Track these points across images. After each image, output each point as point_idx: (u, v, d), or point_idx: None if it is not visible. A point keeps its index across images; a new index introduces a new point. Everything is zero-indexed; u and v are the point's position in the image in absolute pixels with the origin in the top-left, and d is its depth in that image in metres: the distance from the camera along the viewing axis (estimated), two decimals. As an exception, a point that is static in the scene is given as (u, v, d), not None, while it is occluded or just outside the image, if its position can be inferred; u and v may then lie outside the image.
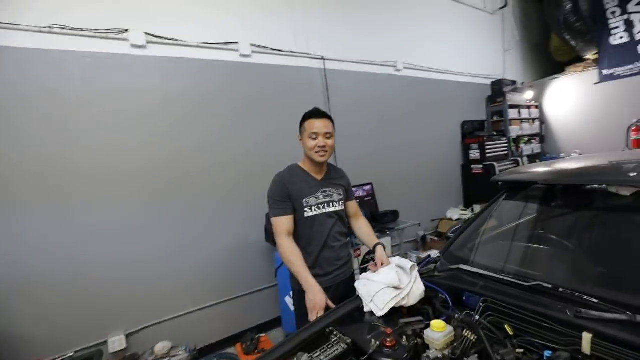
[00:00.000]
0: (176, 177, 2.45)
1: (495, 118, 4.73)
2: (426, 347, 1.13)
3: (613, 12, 4.28)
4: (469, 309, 1.28)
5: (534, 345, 1.03)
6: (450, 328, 1.13)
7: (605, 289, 1.14)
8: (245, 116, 2.73)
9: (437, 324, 1.13)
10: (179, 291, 2.45)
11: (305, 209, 1.52)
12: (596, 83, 4.52)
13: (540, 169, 1.72)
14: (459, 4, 4.46)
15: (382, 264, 1.46)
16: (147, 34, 2.33)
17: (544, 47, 5.43)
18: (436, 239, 3.93)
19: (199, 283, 2.53)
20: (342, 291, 1.62)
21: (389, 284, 1.34)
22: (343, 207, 1.63)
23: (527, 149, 4.84)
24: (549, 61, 5.48)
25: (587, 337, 0.95)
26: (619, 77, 4.33)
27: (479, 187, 4.28)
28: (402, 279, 1.36)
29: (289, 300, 2.39)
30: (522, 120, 4.80)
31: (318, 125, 1.48)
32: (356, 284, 1.44)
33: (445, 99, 4.27)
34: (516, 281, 1.23)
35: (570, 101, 4.82)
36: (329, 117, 1.53)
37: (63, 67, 2.09)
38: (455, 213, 4.00)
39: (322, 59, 3.18)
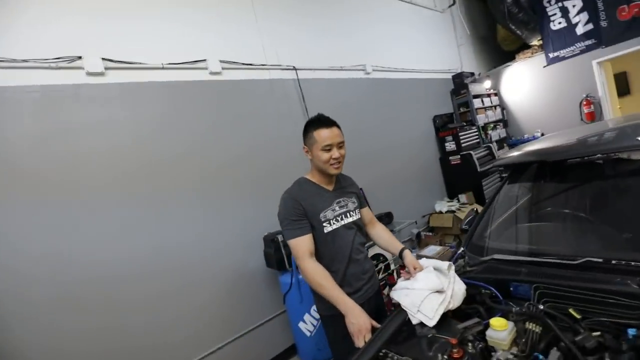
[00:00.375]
0: (155, 207, 2.19)
1: (462, 109, 4.91)
2: (490, 349, 1.03)
3: (549, 1, 4.66)
4: (519, 300, 1.21)
5: (605, 325, 0.97)
6: (511, 324, 1.04)
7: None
8: (221, 136, 2.54)
9: (498, 323, 1.03)
10: (180, 341, 2.16)
11: (324, 224, 1.38)
12: (545, 66, 4.86)
13: (541, 145, 1.73)
14: (412, 5, 4.63)
15: (416, 269, 1.35)
16: (104, 59, 2.10)
17: (492, 39, 5.79)
18: (430, 234, 3.92)
19: (202, 328, 2.26)
20: (374, 306, 1.49)
21: (432, 289, 1.23)
22: (359, 216, 1.51)
23: (494, 134, 5.06)
24: (498, 51, 5.85)
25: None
26: (564, 58, 4.69)
27: (459, 177, 4.38)
28: (442, 281, 1.27)
29: (303, 327, 2.20)
30: (485, 109, 5.03)
31: (330, 135, 1.36)
32: (394, 296, 1.31)
33: (414, 97, 4.36)
34: (563, 261, 1.18)
35: (525, 85, 5.14)
36: (337, 124, 1.42)
37: (6, 105, 1.80)
38: (443, 205, 4.03)
39: (294, 69, 3.09)
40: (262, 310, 2.52)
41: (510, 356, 1.00)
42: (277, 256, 2.24)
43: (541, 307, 1.05)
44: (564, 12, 4.57)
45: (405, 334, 1.16)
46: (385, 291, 2.57)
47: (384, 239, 1.57)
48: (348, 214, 1.45)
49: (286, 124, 2.95)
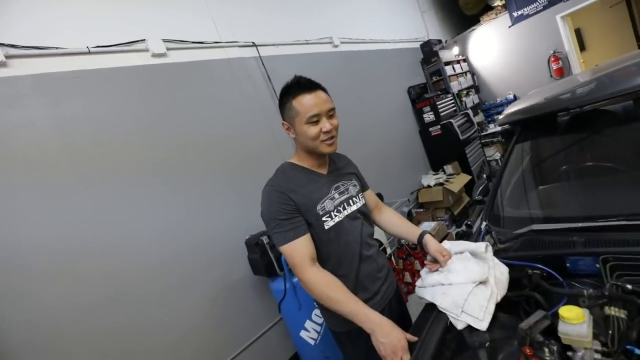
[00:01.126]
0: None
1: (434, 78, 4.73)
2: (566, 348, 0.78)
3: (508, -43, 4.52)
4: (582, 278, 0.97)
5: None
6: (586, 312, 0.79)
7: None
8: (175, 127, 2.11)
9: (572, 313, 0.77)
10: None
11: (324, 219, 1.06)
12: (510, 26, 4.76)
13: (555, 93, 1.50)
14: (373, -29, 4.32)
15: (444, 256, 1.07)
16: (5, 45, 1.61)
17: (454, 3, 5.62)
18: (421, 210, 3.73)
19: (190, 354, 1.89)
20: (396, 310, 1.21)
21: (475, 281, 0.96)
22: (364, 201, 1.21)
23: (468, 101, 4.94)
24: (462, 16, 5.71)
25: None
26: (528, 16, 4.60)
27: (441, 148, 4.21)
28: (483, 268, 1.00)
29: (306, 335, 1.89)
30: (457, 76, 4.88)
31: (316, 101, 1.01)
32: (424, 295, 1.03)
33: (386, 69, 4.11)
34: (629, 222, 0.94)
35: (492, 48, 5.03)
36: (322, 86, 1.08)
37: None
38: (430, 179, 3.85)
39: (254, 45, 2.69)
40: (255, 324, 2.19)
41: (598, 356, 0.75)
42: (264, 261, 1.91)
43: (629, 286, 0.81)
44: (524, -33, 4.46)
45: (453, 346, 0.88)
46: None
47: (397, 225, 1.27)
48: (351, 200, 1.14)
49: (254, 107, 2.57)
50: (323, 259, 1.07)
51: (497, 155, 4.71)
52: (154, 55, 2.12)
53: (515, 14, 4.69)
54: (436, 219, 3.65)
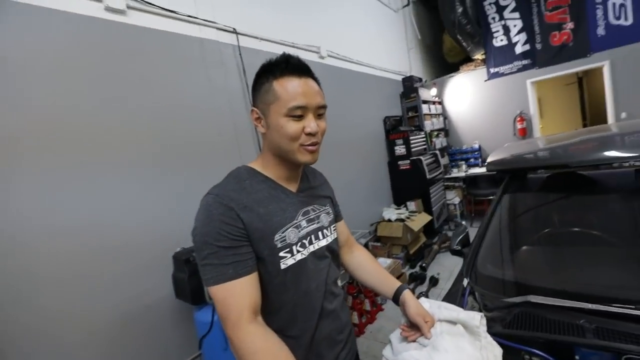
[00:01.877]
0: None
1: (410, 113, 4.74)
2: None
3: (493, 18, 4.79)
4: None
5: None
6: None
7: None
8: (111, 98, 1.71)
9: None
10: None
11: (282, 254, 0.77)
12: (486, 80, 5.00)
13: (554, 148, 1.39)
14: (369, -5, 4.30)
15: (427, 322, 0.83)
16: None
17: (438, 49, 5.83)
18: (378, 244, 3.55)
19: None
20: (355, 382, 0.93)
21: (470, 368, 0.72)
22: (336, 235, 0.94)
23: (437, 142, 5.02)
24: (443, 62, 5.92)
25: None
26: (503, 74, 4.86)
27: (407, 183, 4.14)
28: (480, 352, 0.77)
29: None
30: (431, 116, 4.96)
31: (305, 90, 0.74)
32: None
33: (367, 93, 4.01)
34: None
35: (466, 97, 5.23)
36: (313, 74, 0.81)
37: None
38: (392, 213, 3.72)
39: (235, 32, 2.39)
40: (166, 357, 1.75)
41: None
42: (192, 284, 1.54)
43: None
44: (506, 30, 4.74)
45: None
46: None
47: (370, 272, 1.00)
48: (320, 233, 0.86)
49: (220, 98, 2.24)
50: (269, 311, 0.76)
51: (457, 200, 4.77)
52: (109, 10, 1.72)
53: (492, 70, 4.93)
54: (392, 255, 3.50)
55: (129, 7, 1.80)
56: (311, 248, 0.82)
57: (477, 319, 0.82)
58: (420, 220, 3.68)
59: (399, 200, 4.18)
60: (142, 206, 1.73)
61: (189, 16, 2.11)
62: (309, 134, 0.75)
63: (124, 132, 1.71)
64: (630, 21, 3.99)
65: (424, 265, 3.41)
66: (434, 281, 3.11)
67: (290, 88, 0.73)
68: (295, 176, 0.87)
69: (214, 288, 0.69)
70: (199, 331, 1.59)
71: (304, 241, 0.81)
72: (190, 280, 1.53)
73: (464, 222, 1.62)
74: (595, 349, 0.76)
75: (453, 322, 0.84)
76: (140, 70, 1.82)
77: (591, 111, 6.59)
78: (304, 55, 3.00)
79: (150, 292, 1.70)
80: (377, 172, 4.10)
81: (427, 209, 4.04)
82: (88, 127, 1.58)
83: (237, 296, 0.68)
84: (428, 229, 3.98)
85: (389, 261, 3.05)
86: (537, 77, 4.65)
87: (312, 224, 0.85)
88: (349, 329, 0.93)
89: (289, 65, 0.75)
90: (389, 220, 3.63)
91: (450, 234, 4.32)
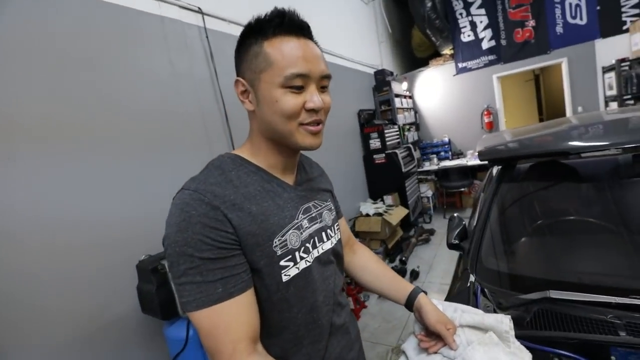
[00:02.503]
0: None
1: (383, 107, 4.71)
2: None
3: (461, 14, 4.88)
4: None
5: None
6: None
7: None
8: (57, 84, 1.44)
9: None
10: None
11: (284, 262, 0.61)
12: (455, 75, 5.10)
13: (549, 134, 1.35)
14: (341, -15, 4.18)
15: (449, 329, 0.72)
16: None
17: (407, 44, 5.86)
18: (357, 239, 3.45)
19: None
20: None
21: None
22: (339, 236, 0.79)
23: (409, 136, 5.04)
24: (412, 57, 5.97)
25: None
26: (470, 69, 4.98)
27: (383, 177, 4.10)
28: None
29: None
30: (403, 109, 4.97)
31: (306, 53, 0.59)
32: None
33: (340, 85, 3.89)
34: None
35: (436, 92, 5.31)
36: (313, 36, 0.66)
37: None
38: (369, 208, 3.65)
39: (200, 12, 2.15)
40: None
41: None
42: (161, 296, 1.32)
43: None
44: (473, 26, 4.85)
45: None
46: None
47: (377, 275, 0.87)
48: (324, 234, 0.71)
49: (185, 86, 1.99)
50: (268, 334, 0.61)
51: (429, 193, 4.83)
52: (45, -26, 1.43)
53: (460, 65, 5.04)
54: (371, 250, 3.42)
55: (73, -26, 1.52)
56: (315, 253, 0.67)
57: (506, 322, 0.72)
58: (397, 214, 3.64)
59: (376, 195, 4.13)
60: (93, 205, 1.46)
61: (147, -10, 1.84)
62: (311, 110, 0.60)
63: (68, 118, 1.43)
64: (584, 21, 4.23)
65: (403, 259, 3.38)
66: (414, 274, 3.08)
67: (287, 51, 0.57)
68: (291, 165, 0.71)
69: (196, 314, 0.52)
70: (171, 350, 1.38)
71: (307, 245, 0.66)
72: (159, 292, 1.32)
73: (456, 215, 1.55)
74: (633, 348, 0.69)
75: (478, 328, 0.73)
76: (88, 48, 1.54)
77: (547, 106, 7.02)
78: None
79: (112, 307, 1.45)
80: (353, 166, 4.02)
81: (403, 202, 4.02)
82: (25, 115, 1.29)
83: (230, 323, 0.52)
84: (404, 223, 3.96)
85: (369, 257, 2.97)
86: (503, 72, 4.81)
87: (315, 224, 0.70)
88: (359, 344, 0.80)
89: (284, 22, 0.59)
90: (367, 215, 3.56)
91: (426, 226, 4.35)
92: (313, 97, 0.59)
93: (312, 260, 0.66)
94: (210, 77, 2.19)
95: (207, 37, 2.18)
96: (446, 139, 5.26)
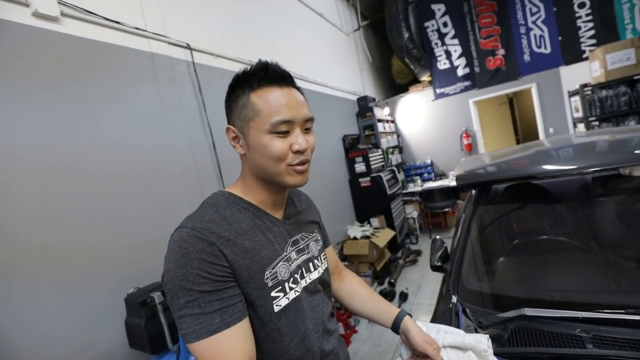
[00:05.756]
0: None
1: (367, 132, 4.87)
2: None
3: (436, 44, 5.21)
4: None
5: None
6: None
7: None
8: (53, 123, 1.48)
9: None
10: None
11: (274, 294, 0.66)
12: (433, 100, 5.36)
13: (521, 158, 1.46)
14: (323, 19, 4.43)
15: (435, 349, 0.76)
16: None
17: (387, 71, 6.16)
18: (345, 263, 3.47)
19: None
20: None
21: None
22: (327, 265, 0.84)
23: (393, 159, 5.20)
24: (393, 84, 6.26)
25: None
26: (448, 94, 5.26)
27: (369, 200, 4.18)
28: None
29: None
30: (386, 134, 5.15)
31: (289, 101, 0.65)
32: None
33: (325, 113, 4.04)
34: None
35: (416, 116, 5.54)
36: (295, 84, 0.73)
37: None
38: (357, 231, 3.69)
39: (189, 47, 2.25)
40: None
41: None
42: (151, 330, 1.31)
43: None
44: (448, 54, 5.17)
45: None
46: None
47: (364, 300, 0.91)
48: (311, 264, 0.77)
49: (175, 119, 2.05)
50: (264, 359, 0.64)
51: (415, 214, 4.93)
52: (38, 16, 1.50)
53: (438, 91, 5.31)
54: (359, 273, 3.44)
55: (63, 14, 1.59)
56: (303, 283, 0.72)
57: (484, 342, 0.77)
58: (384, 236, 3.70)
59: (362, 217, 4.19)
60: (84, 235, 1.46)
61: (137, 28, 1.93)
62: (298, 152, 0.66)
63: (58, 155, 1.45)
64: (549, 50, 4.59)
65: (392, 281, 3.39)
66: (403, 296, 3.10)
67: (271, 100, 0.64)
68: (281, 201, 0.76)
69: (196, 344, 0.55)
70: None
71: (296, 276, 0.70)
72: (148, 326, 1.31)
73: (438, 237, 1.61)
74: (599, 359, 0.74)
75: (459, 348, 0.78)
76: (80, 85, 1.59)
77: (522, 127, 7.39)
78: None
79: (98, 343, 1.41)
80: (339, 190, 4.09)
81: (390, 224, 4.09)
82: (11, 160, 1.31)
83: (228, 351, 0.55)
84: (392, 244, 4.01)
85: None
86: (478, 97, 5.10)
87: (302, 255, 0.75)
88: (347, 366, 0.82)
89: (268, 74, 0.66)
90: (355, 238, 3.60)
91: (413, 247, 4.41)
92: (298, 140, 0.66)
93: (300, 290, 0.70)
94: (199, 109, 2.26)
95: (195, 70, 2.27)
96: (429, 161, 5.44)
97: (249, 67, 0.68)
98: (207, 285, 0.57)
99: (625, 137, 1.40)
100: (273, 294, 0.64)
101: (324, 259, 0.83)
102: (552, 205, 1.29)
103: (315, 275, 0.76)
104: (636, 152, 1.16)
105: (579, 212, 1.29)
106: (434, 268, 1.36)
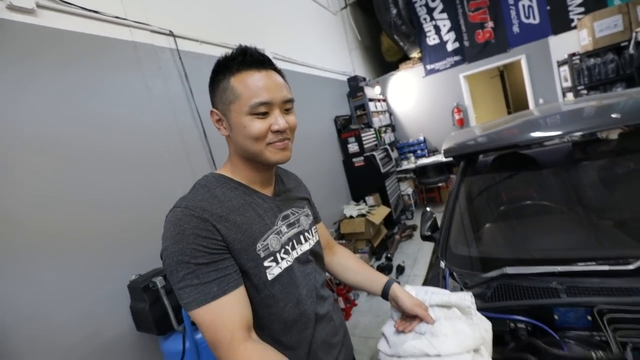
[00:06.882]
0: None
1: (359, 112, 4.86)
2: None
3: (425, 19, 5.13)
4: (569, 330, 0.83)
5: None
6: None
7: None
8: (34, 114, 1.48)
9: None
10: None
11: (267, 263, 0.70)
12: (424, 77, 5.33)
13: (507, 128, 1.49)
14: (309, -1, 4.34)
15: (424, 309, 0.82)
16: None
17: (377, 49, 6.08)
18: (343, 241, 3.55)
19: None
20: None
21: (470, 349, 0.71)
22: (317, 238, 0.89)
23: (386, 137, 5.22)
24: (382, 61, 6.19)
25: None
26: (438, 70, 5.23)
27: (363, 179, 4.23)
28: (476, 330, 0.77)
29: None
30: (378, 113, 5.14)
31: (267, 84, 0.68)
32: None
33: (316, 95, 4.02)
34: (612, 267, 0.85)
35: (408, 93, 5.53)
36: (275, 66, 0.75)
37: None
38: (353, 210, 3.76)
39: (172, 34, 2.22)
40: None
41: None
42: (155, 312, 1.37)
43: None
44: (437, 29, 5.11)
45: None
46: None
47: (355, 271, 0.97)
48: (302, 236, 0.81)
49: (163, 109, 2.05)
50: (260, 326, 0.70)
51: (410, 190, 5.00)
52: (12, 8, 1.47)
53: (428, 67, 5.28)
54: (357, 250, 3.53)
55: (39, 6, 1.57)
56: (294, 254, 0.77)
57: (467, 299, 0.83)
58: (380, 214, 3.77)
59: (358, 197, 4.26)
60: (85, 221, 1.50)
61: (116, 17, 1.90)
62: (277, 132, 0.69)
63: (49, 151, 1.47)
64: (537, 20, 4.54)
65: (389, 255, 3.49)
66: (400, 270, 3.20)
67: (250, 83, 0.67)
68: (269, 179, 0.81)
69: (197, 311, 0.60)
70: (166, 362, 1.42)
71: (287, 247, 0.75)
72: (152, 309, 1.36)
73: (428, 209, 1.67)
74: (570, 307, 0.81)
75: (445, 306, 0.84)
76: (60, 78, 1.58)
77: (513, 99, 7.40)
78: (249, 58, 2.92)
79: (105, 331, 1.47)
80: (333, 171, 4.13)
81: (385, 201, 4.16)
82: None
83: (226, 315, 0.60)
84: (388, 221, 4.10)
85: (357, 256, 3.07)
86: (468, 72, 5.08)
87: (293, 228, 0.79)
88: (343, 329, 0.88)
89: (246, 58, 0.69)
90: (351, 217, 3.67)
91: (408, 223, 4.51)
92: (278, 120, 0.69)
93: (292, 260, 0.75)
94: (186, 96, 2.25)
95: (180, 58, 2.25)
96: (421, 138, 5.47)
97: (228, 53, 0.71)
98: (204, 257, 0.61)
99: (606, 104, 1.43)
100: (266, 263, 0.69)
101: (314, 232, 0.87)
102: (536, 172, 1.34)
103: (306, 247, 0.81)
104: (612, 115, 1.21)
105: (561, 176, 1.35)
106: (424, 237, 1.42)
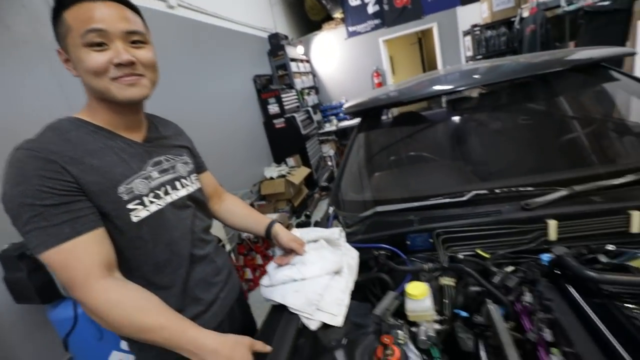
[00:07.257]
0: None
1: (280, 72, 4.75)
2: (411, 324, 0.78)
3: (346, -23, 5.06)
4: (417, 252, 1.01)
5: (507, 257, 0.88)
6: (426, 286, 0.81)
7: (528, 177, 1.11)
8: None
9: (417, 290, 0.80)
10: None
11: (131, 206, 0.69)
12: (346, 39, 5.37)
13: (399, 89, 1.63)
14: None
15: (300, 245, 0.91)
16: None
17: (300, 6, 5.86)
18: (263, 202, 3.62)
19: None
20: (240, 319, 0.98)
21: (330, 271, 0.83)
22: (199, 185, 0.89)
23: (309, 99, 5.24)
24: (306, 20, 6.02)
25: (553, 223, 0.86)
26: (359, 33, 5.30)
27: (284, 141, 4.25)
28: (338, 256, 0.90)
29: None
30: (301, 74, 5.09)
31: (102, 13, 0.63)
32: (272, 296, 0.83)
33: (232, 51, 3.78)
34: (452, 200, 1.04)
35: (331, 55, 5.54)
36: (130, 3, 0.70)
37: None
38: (273, 171, 3.80)
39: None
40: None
41: (437, 326, 0.77)
42: (36, 281, 1.26)
43: (460, 256, 0.87)
44: (359, -11, 5.10)
45: (307, 350, 0.73)
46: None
47: (241, 216, 1.01)
48: (178, 182, 0.81)
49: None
50: (128, 268, 0.70)
51: (331, 152, 5.21)
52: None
53: (350, 29, 5.31)
54: (277, 210, 3.64)
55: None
56: (168, 199, 0.77)
57: (336, 232, 0.95)
58: (300, 174, 3.88)
59: (279, 158, 4.29)
60: None
61: None
62: (119, 65, 0.65)
63: None
64: (448, -12, 4.83)
65: (308, 213, 3.68)
66: (317, 225, 3.41)
67: (81, 13, 0.63)
68: (135, 123, 0.77)
69: (47, 253, 0.58)
70: (60, 331, 1.34)
71: (158, 192, 0.75)
72: (32, 278, 1.25)
73: (328, 164, 1.80)
74: (416, 233, 0.99)
75: (318, 241, 0.94)
76: None
77: (428, 66, 7.98)
78: (147, 4, 2.58)
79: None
80: (253, 132, 4.05)
81: (306, 163, 4.28)
82: None
83: (81, 255, 0.59)
84: (310, 182, 4.25)
85: (275, 215, 3.17)
86: (387, 36, 5.26)
87: (167, 174, 0.79)
88: (227, 270, 0.94)
89: None
90: (271, 178, 3.71)
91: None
92: (119, 53, 0.65)
93: (164, 205, 0.75)
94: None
95: None
96: (343, 101, 5.63)
97: None
98: (51, 199, 0.58)
99: (472, 68, 1.66)
100: (129, 206, 0.68)
101: (195, 180, 0.88)
102: (418, 126, 1.53)
103: (183, 192, 0.81)
104: (474, 76, 1.41)
105: (438, 133, 1.56)
106: (322, 188, 1.53)
